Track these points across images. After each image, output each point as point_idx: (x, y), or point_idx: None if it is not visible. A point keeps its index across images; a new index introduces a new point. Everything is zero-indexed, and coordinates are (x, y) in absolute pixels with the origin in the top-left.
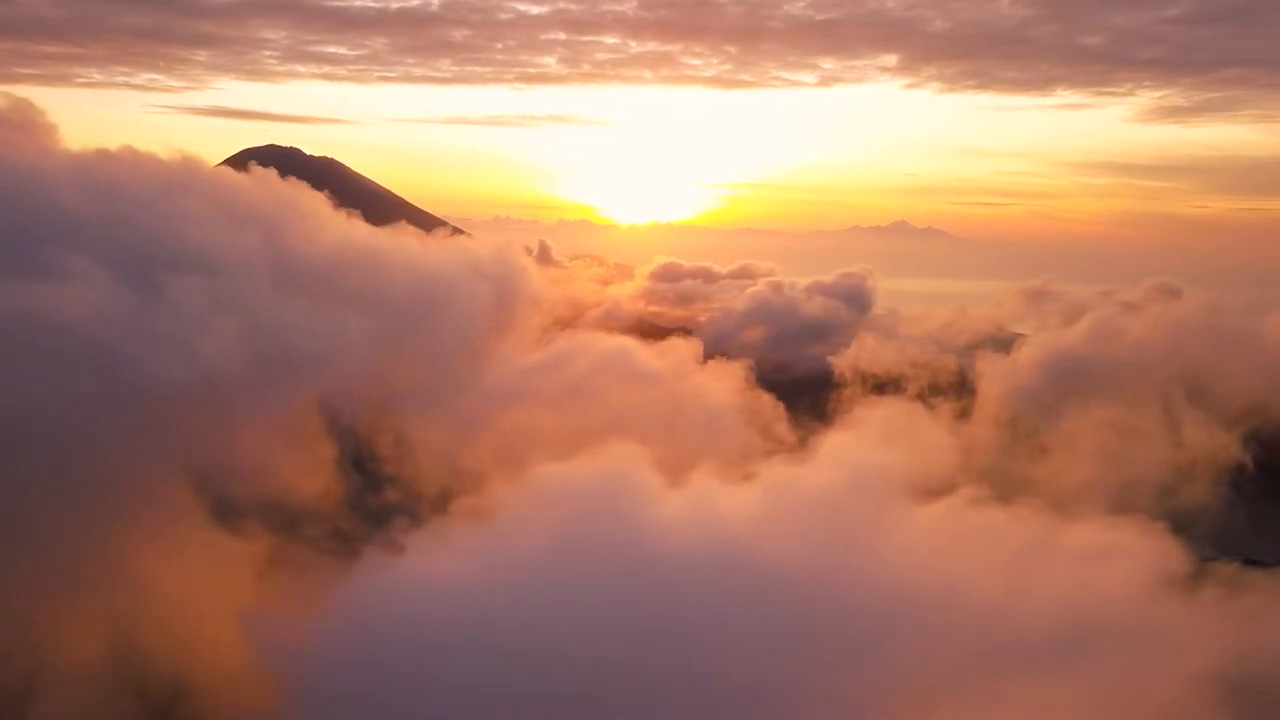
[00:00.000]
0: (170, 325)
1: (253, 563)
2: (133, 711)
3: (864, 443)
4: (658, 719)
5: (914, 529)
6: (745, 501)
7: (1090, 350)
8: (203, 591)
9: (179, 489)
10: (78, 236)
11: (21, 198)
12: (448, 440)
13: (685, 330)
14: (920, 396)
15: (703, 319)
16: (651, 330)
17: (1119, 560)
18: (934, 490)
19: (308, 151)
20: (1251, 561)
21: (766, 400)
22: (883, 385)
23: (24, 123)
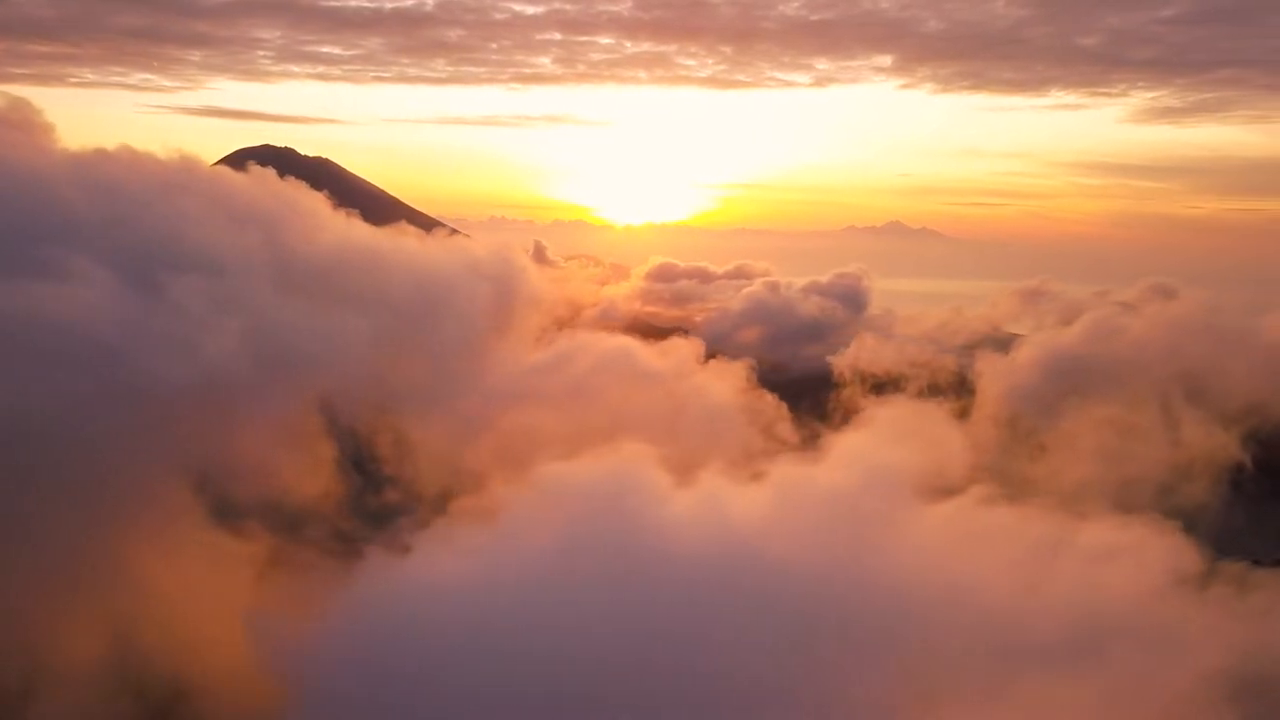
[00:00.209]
0: (170, 325)
1: (252, 563)
2: (132, 712)
3: (873, 442)
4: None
5: (923, 528)
6: (754, 501)
7: (1089, 349)
8: (202, 592)
9: (178, 489)
10: (76, 236)
11: (20, 197)
12: (448, 440)
13: (681, 331)
14: (920, 396)
15: (699, 319)
16: (648, 330)
17: (1129, 559)
18: (943, 489)
19: (302, 152)
20: (1258, 561)
21: (768, 400)
22: (882, 385)
23: (21, 122)
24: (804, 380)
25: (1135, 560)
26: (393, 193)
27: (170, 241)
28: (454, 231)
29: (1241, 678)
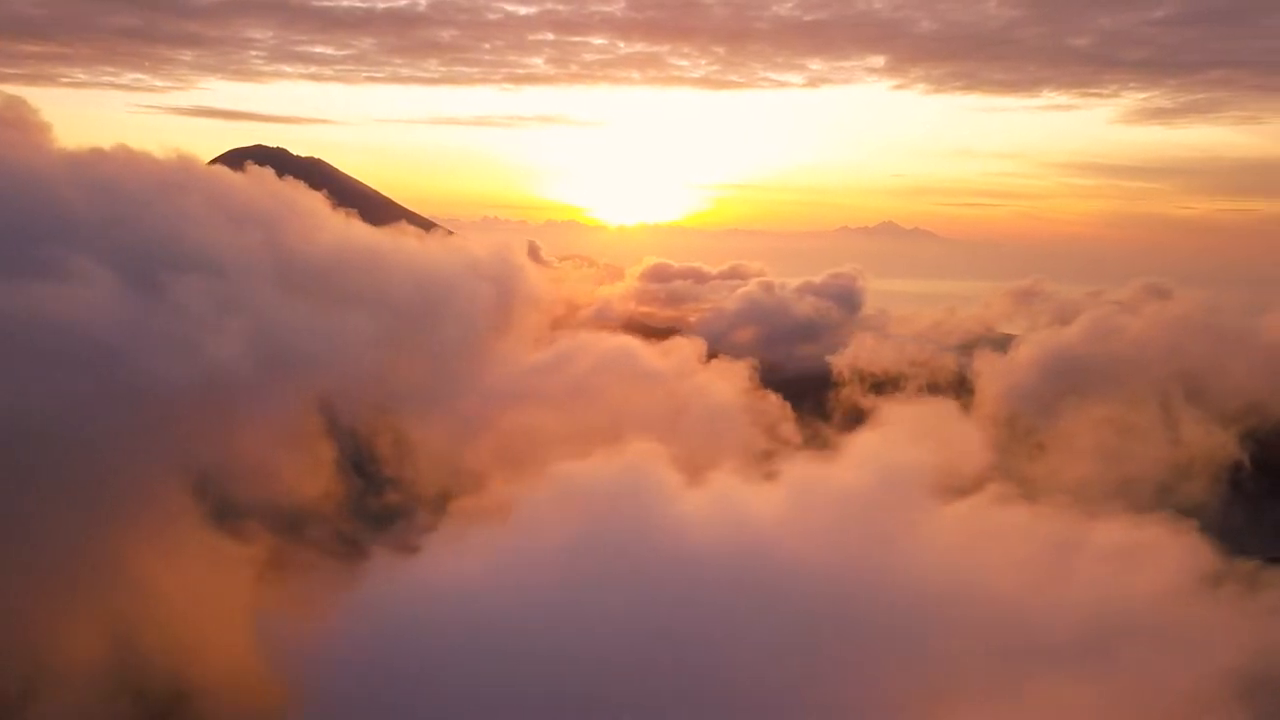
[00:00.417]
0: (169, 325)
1: (253, 564)
2: (132, 713)
3: (886, 441)
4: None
5: (937, 527)
6: (767, 500)
7: (1088, 349)
8: (202, 593)
9: (178, 489)
10: (75, 235)
11: (18, 196)
12: (448, 441)
13: (676, 331)
14: (919, 395)
15: (693, 319)
16: (643, 331)
17: (1142, 558)
18: (956, 489)
19: (294, 152)
20: (1275, 559)
21: (770, 400)
22: (881, 384)
23: (17, 120)
24: (804, 380)
25: (1148, 559)
26: (385, 193)
27: (169, 241)
28: (448, 233)
29: (1253, 676)
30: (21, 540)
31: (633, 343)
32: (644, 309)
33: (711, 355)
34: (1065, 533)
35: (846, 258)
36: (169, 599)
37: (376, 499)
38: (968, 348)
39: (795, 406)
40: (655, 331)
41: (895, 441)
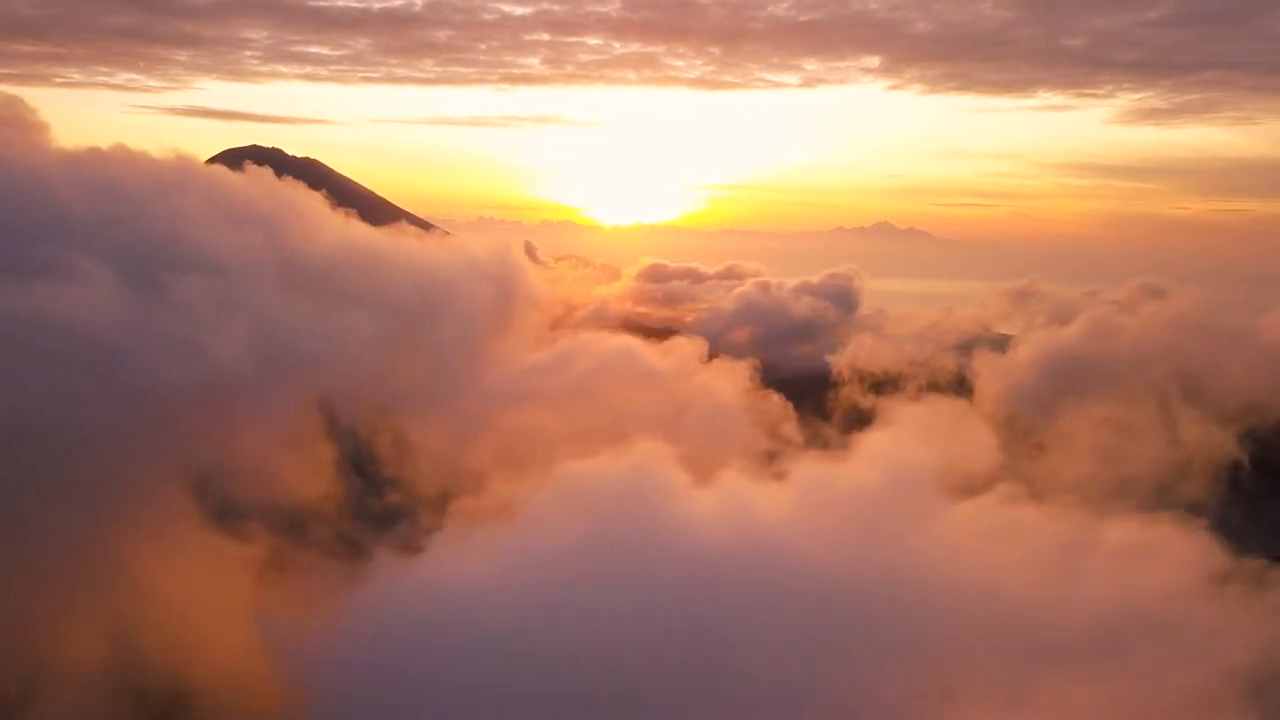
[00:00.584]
0: (169, 324)
1: (253, 565)
2: (132, 714)
3: (895, 440)
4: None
5: (946, 526)
6: (777, 500)
7: (1086, 348)
8: (203, 593)
9: (178, 490)
10: (74, 235)
11: (17, 195)
12: (448, 441)
13: (673, 331)
14: (919, 395)
15: (690, 319)
16: (640, 331)
17: (1151, 557)
18: (965, 488)
19: (290, 152)
20: (1274, 558)
21: (771, 399)
22: (881, 384)
23: (15, 120)
24: (803, 379)
25: (1157, 558)
26: (381, 193)
27: (168, 241)
28: (444, 233)
29: (1261, 675)
30: (22, 540)
31: (633, 342)
32: (641, 309)
33: (709, 355)
34: (1074, 532)
35: (842, 258)
36: (169, 599)
37: (377, 499)
38: (965, 348)
39: (795, 406)
40: (652, 332)
41: (904, 441)
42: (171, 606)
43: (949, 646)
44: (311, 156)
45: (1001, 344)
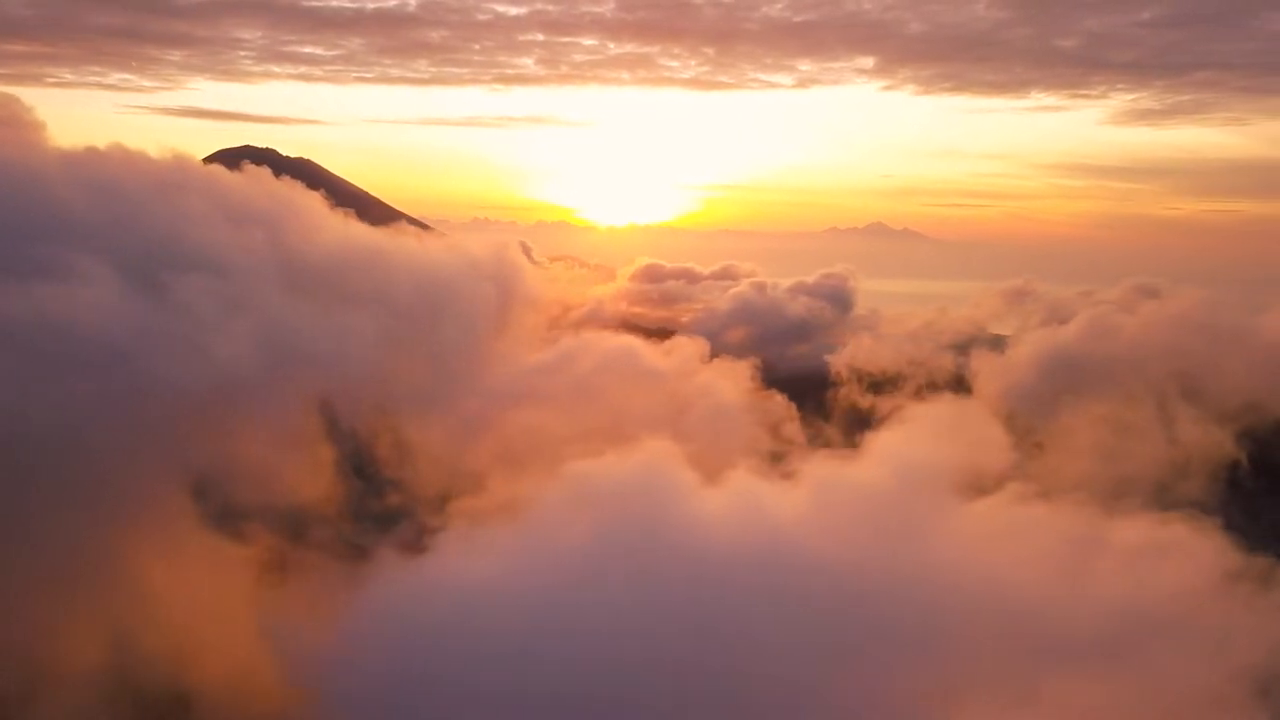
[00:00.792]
0: (169, 325)
1: (253, 567)
2: (132, 716)
3: (906, 439)
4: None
5: (957, 525)
6: (787, 498)
7: (1085, 348)
8: (203, 595)
9: (178, 491)
10: (73, 234)
11: (15, 195)
12: (449, 442)
13: (670, 331)
14: (918, 395)
15: (685, 319)
16: (636, 331)
17: (1162, 556)
18: (976, 486)
19: (283, 152)
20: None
21: (774, 399)
22: (880, 384)
23: (11, 119)
24: (802, 379)
25: (1167, 557)
26: (375, 194)
27: (167, 241)
28: (439, 235)
29: (1270, 674)
30: (22, 541)
31: (634, 342)
32: (636, 309)
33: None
34: (1084, 531)
35: (836, 258)
36: (169, 601)
37: (377, 500)
38: (960, 348)
39: (795, 406)
40: (649, 332)
41: (914, 440)
42: (172, 608)
43: (960, 645)
44: (305, 157)
45: (996, 344)
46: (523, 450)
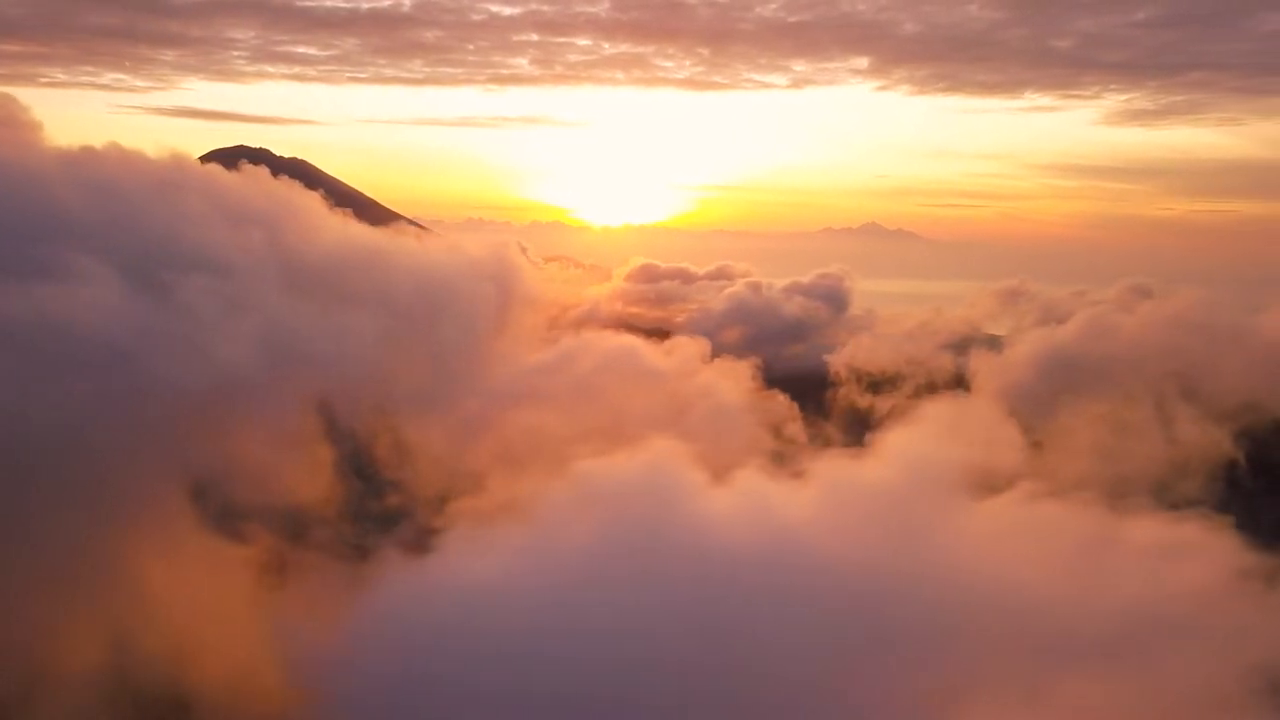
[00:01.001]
0: (168, 325)
1: (253, 568)
2: (132, 717)
3: (916, 438)
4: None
5: (968, 524)
6: (796, 497)
7: (1083, 347)
8: (203, 596)
9: (177, 492)
10: (71, 234)
11: (12, 195)
12: (449, 442)
13: (666, 331)
14: (916, 394)
15: (681, 319)
16: (631, 331)
17: (1173, 555)
18: (986, 485)
19: (277, 153)
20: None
21: (774, 399)
22: (878, 384)
23: (8, 119)
24: (800, 379)
25: (1178, 556)
26: (369, 194)
27: (166, 240)
28: (434, 235)
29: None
30: (21, 541)
31: (634, 342)
32: (632, 309)
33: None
34: (1094, 530)
35: (831, 258)
36: (169, 602)
37: (377, 501)
38: (955, 347)
39: (801, 408)
40: (644, 332)
41: (924, 438)
42: (172, 608)
43: (970, 644)
44: (299, 157)
45: (991, 343)
46: (523, 450)
